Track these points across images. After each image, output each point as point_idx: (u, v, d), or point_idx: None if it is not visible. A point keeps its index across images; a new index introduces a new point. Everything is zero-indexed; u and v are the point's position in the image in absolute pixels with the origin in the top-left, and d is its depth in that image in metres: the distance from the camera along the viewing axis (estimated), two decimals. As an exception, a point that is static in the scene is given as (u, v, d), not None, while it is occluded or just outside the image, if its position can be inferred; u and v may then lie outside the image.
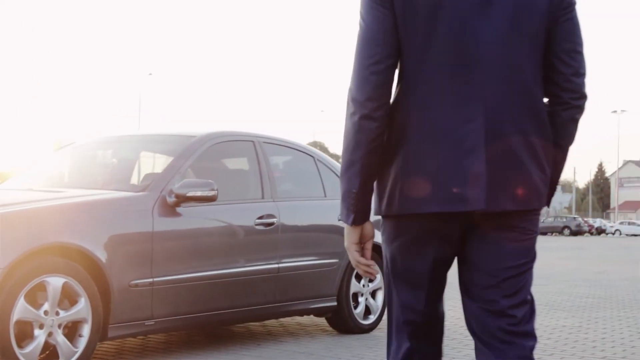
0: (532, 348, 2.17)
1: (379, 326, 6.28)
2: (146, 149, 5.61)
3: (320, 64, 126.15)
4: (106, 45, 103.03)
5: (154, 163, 5.50)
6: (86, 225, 4.31)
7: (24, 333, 4.01)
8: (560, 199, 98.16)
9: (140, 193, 4.72)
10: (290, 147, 6.02)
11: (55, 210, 4.29)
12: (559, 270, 14.66)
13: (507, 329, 2.15)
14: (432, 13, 2.08)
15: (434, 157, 2.06)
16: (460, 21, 2.08)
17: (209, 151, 5.24)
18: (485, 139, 2.06)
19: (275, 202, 5.47)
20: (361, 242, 2.19)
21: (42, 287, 4.05)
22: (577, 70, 2.21)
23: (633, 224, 64.96)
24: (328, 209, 5.90)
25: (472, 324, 2.21)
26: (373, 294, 6.22)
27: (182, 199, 4.73)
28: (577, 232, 56.03)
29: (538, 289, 10.36)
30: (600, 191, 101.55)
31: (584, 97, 2.24)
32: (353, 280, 6.02)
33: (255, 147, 5.60)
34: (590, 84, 2.35)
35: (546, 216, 61.75)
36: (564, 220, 59.05)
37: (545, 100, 2.23)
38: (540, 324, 6.77)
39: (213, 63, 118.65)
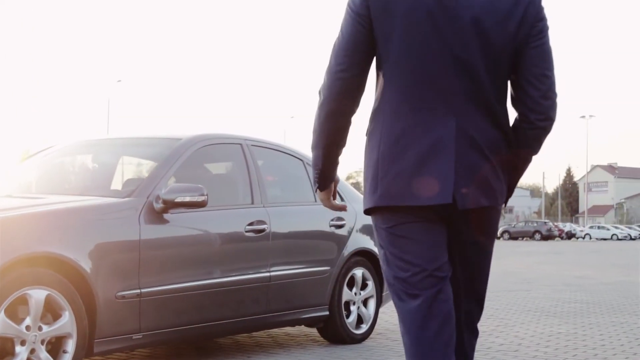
0: None
1: (371, 336, 6.06)
2: (128, 152, 5.34)
3: (289, 70, 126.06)
4: (74, 53, 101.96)
5: (137, 168, 5.23)
6: (69, 234, 4.03)
7: (5, 350, 3.72)
8: (529, 204, 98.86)
9: (126, 199, 4.44)
10: (279, 150, 5.79)
11: (36, 217, 4.01)
12: (538, 275, 14.57)
13: None
14: (407, 32, 2.32)
15: (409, 156, 2.34)
16: (433, 39, 2.32)
17: (196, 154, 4.98)
18: (455, 143, 2.33)
19: (265, 207, 5.23)
20: (329, 196, 2.63)
21: (23, 301, 3.76)
22: (545, 94, 2.41)
23: (603, 228, 65.47)
24: (319, 215, 5.67)
25: None
26: (365, 303, 6.00)
27: (170, 205, 4.47)
28: (548, 237, 56.29)
29: (523, 295, 10.22)
30: (569, 196, 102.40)
31: (550, 119, 2.44)
32: (345, 288, 5.80)
33: (244, 150, 5.35)
34: (559, 90, 2.48)
35: (516, 221, 61.95)
36: (535, 225, 59.33)
37: (516, 116, 2.49)
38: (535, 331, 6.59)
39: (182, 70, 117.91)
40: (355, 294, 5.93)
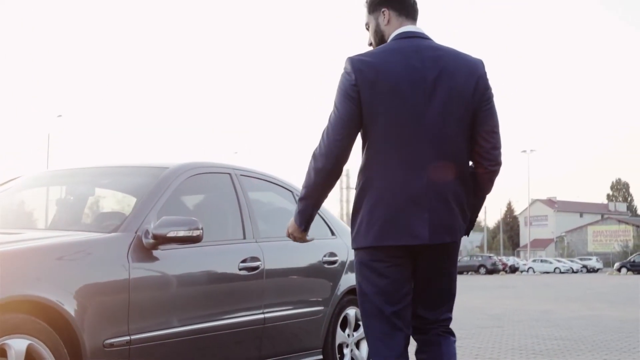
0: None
1: (366, 380, 5.62)
2: (106, 183, 4.83)
3: (233, 108, 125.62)
4: (13, 88, 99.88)
5: (117, 199, 4.73)
6: (52, 274, 3.51)
7: (-20, 410, 3.19)
8: (471, 238, 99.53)
9: (112, 234, 3.95)
10: (268, 181, 5.35)
11: (13, 255, 3.48)
12: (502, 310, 14.30)
13: None
14: (388, 106, 2.95)
15: (393, 205, 2.95)
16: (410, 110, 2.96)
17: (183, 185, 4.52)
18: (427, 194, 2.95)
19: (257, 242, 4.78)
20: (306, 234, 3.26)
21: (1, 352, 3.23)
22: (494, 146, 3.09)
23: (545, 261, 66.14)
24: (312, 251, 5.25)
25: None
26: (357, 345, 5.57)
27: (161, 241, 3.99)
28: (492, 271, 56.59)
29: (498, 332, 9.90)
30: (510, 229, 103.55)
31: (498, 164, 3.12)
32: (338, 330, 5.37)
33: (233, 180, 4.91)
34: (501, 125, 3.14)
35: (460, 255, 62.12)
36: (480, 259, 59.65)
37: (471, 162, 3.12)
38: (533, 372, 6.23)
39: (123, 104, 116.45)
40: (349, 335, 5.51)
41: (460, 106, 3.01)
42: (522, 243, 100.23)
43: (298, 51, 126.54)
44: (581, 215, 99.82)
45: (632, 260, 56.66)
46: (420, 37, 3.11)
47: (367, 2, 3.25)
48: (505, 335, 9.52)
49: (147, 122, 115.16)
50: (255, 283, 4.64)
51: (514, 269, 62.45)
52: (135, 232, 3.98)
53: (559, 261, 66.37)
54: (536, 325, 10.98)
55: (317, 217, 5.52)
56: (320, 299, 5.22)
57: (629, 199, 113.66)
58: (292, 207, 5.40)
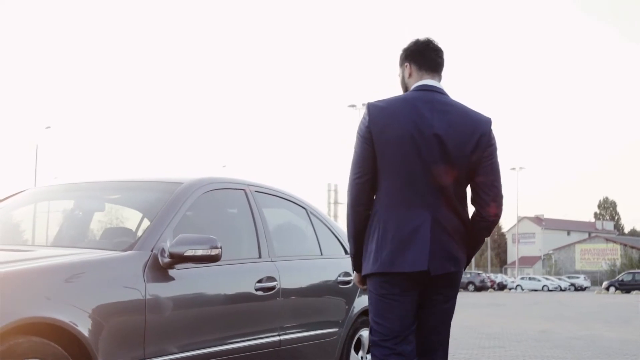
0: None
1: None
2: (118, 197, 4.64)
3: (222, 116, 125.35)
4: (0, 98, 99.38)
5: (127, 215, 4.55)
6: (66, 294, 3.33)
7: None
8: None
9: (127, 252, 3.77)
10: (282, 198, 5.18)
11: (26, 275, 3.29)
12: (499, 329, 14.14)
13: None
14: (395, 150, 3.28)
15: (400, 239, 3.27)
16: (416, 156, 3.27)
17: (199, 201, 4.35)
18: (430, 230, 3.26)
19: (273, 262, 4.61)
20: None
21: (15, 378, 3.05)
22: (494, 198, 3.38)
23: (534, 279, 66.07)
24: (326, 269, 5.09)
25: None
26: (370, 367, 5.39)
27: (178, 260, 3.82)
28: (481, 288, 56.47)
29: (501, 352, 9.73)
30: (497, 247, 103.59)
31: (497, 216, 3.40)
32: (352, 352, 5.19)
33: (247, 196, 4.74)
34: None
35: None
36: (468, 276, 59.46)
37: (474, 210, 3.43)
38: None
39: (112, 116, 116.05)
40: (362, 358, 5.33)
41: (462, 158, 3.32)
42: (509, 260, 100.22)
43: (283, 62, 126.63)
44: (568, 234, 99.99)
45: (620, 279, 56.67)
46: (435, 91, 3.43)
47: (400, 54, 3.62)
48: (509, 356, 9.36)
49: (136, 134, 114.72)
50: (271, 304, 4.47)
51: (502, 287, 62.32)
52: (151, 251, 3.81)
53: (547, 279, 66.31)
54: (537, 345, 10.83)
55: (329, 235, 5.41)
56: (335, 320, 5.06)
57: (616, 217, 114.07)
58: (306, 225, 5.25)
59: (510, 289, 61.84)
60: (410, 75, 3.51)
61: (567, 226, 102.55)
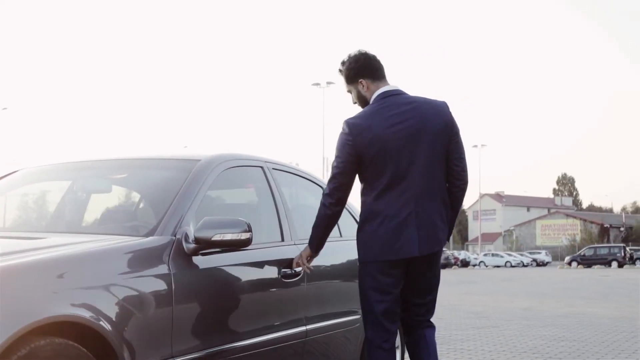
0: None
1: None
2: (127, 177, 4.18)
3: (182, 96, 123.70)
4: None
5: (140, 196, 4.11)
6: (86, 288, 2.90)
7: None
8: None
9: (149, 238, 3.34)
10: (298, 175, 4.78)
11: (39, 267, 2.85)
12: (482, 309, 13.92)
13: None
14: (383, 153, 3.75)
15: (393, 229, 3.76)
16: (400, 153, 3.76)
17: (218, 180, 3.93)
18: (415, 217, 3.76)
19: (296, 245, 4.22)
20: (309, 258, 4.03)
21: (39, 388, 2.62)
22: (462, 169, 3.91)
23: (496, 255, 66.56)
24: (346, 251, 4.70)
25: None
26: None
27: (205, 245, 3.42)
28: (445, 265, 56.59)
29: (497, 332, 9.47)
30: (459, 223, 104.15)
31: (466, 182, 3.94)
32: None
33: (266, 174, 4.33)
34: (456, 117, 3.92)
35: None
36: (433, 253, 59.49)
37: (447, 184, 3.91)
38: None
39: (70, 96, 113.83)
40: (383, 346, 4.97)
41: (438, 145, 3.79)
42: (470, 237, 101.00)
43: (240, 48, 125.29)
44: (528, 210, 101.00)
45: (582, 254, 57.29)
46: (398, 94, 3.89)
47: (344, 75, 4.01)
48: (507, 336, 9.10)
49: (96, 115, 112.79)
50: (297, 292, 4.09)
51: (465, 263, 62.65)
52: (174, 236, 3.39)
53: (509, 255, 66.87)
54: (529, 324, 10.61)
55: (346, 215, 5.01)
56: (356, 308, 4.68)
57: (574, 193, 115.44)
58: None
59: (473, 266, 62.19)
60: (367, 89, 3.93)
61: (527, 202, 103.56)
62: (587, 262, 54.53)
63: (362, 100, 3.96)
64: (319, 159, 51.41)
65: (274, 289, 3.95)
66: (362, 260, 3.84)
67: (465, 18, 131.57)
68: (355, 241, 3.91)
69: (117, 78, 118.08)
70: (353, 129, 3.77)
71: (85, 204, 4.04)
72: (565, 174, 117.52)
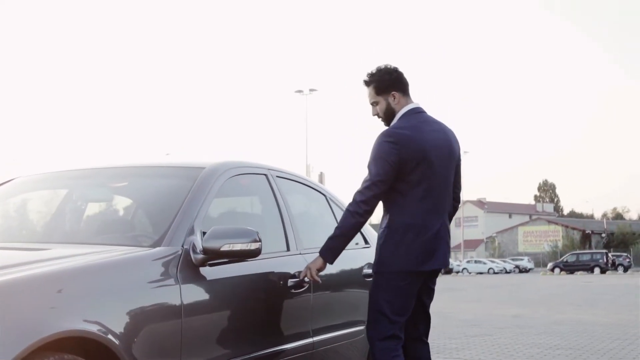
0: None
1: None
2: (129, 185, 4.06)
3: (165, 103, 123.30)
4: None
5: (141, 205, 3.98)
6: (101, 302, 2.78)
7: None
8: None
9: (156, 249, 3.22)
10: (302, 183, 4.67)
11: (44, 280, 2.73)
12: (472, 316, 13.86)
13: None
14: (424, 166, 3.90)
15: (426, 241, 3.90)
16: (436, 170, 3.93)
17: (223, 188, 3.82)
18: (443, 232, 3.96)
19: (302, 255, 4.12)
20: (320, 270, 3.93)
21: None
22: (460, 191, 4.21)
23: (479, 262, 66.63)
24: (350, 261, 4.59)
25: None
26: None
27: (213, 256, 3.30)
28: (429, 272, 56.45)
29: (491, 340, 9.41)
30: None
31: (459, 203, 4.24)
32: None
33: (270, 182, 4.22)
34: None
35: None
36: (416, 260, 59.51)
37: None
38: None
39: (51, 102, 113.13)
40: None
41: (454, 167, 4.06)
42: (453, 244, 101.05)
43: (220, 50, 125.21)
44: (510, 216, 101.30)
45: (565, 260, 57.48)
46: (422, 112, 4.07)
47: (374, 86, 4.04)
48: (502, 345, 9.04)
49: (81, 118, 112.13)
50: (303, 303, 3.99)
51: (448, 270, 62.65)
52: (182, 246, 3.28)
53: (492, 262, 66.97)
54: (523, 332, 10.55)
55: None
56: (362, 318, 4.58)
57: (555, 199, 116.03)
58: (327, 213, 4.76)
59: (457, 273, 62.24)
60: (397, 102, 4.03)
61: (509, 209, 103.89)
62: (569, 268, 54.71)
63: (388, 113, 4.05)
64: (301, 167, 51.29)
65: (282, 300, 3.84)
66: (391, 270, 3.87)
67: (446, 25, 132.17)
68: (378, 250, 3.90)
69: (95, 85, 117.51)
70: (401, 139, 3.86)
71: (86, 213, 3.91)
72: (546, 181, 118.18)
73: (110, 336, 2.76)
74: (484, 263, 65.56)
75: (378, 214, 4.31)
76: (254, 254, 3.39)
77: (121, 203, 4.01)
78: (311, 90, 52.33)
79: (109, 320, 2.79)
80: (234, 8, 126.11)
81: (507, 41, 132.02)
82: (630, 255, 63.95)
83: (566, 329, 10.88)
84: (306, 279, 3.90)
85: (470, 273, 62.02)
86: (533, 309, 15.74)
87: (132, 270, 3.05)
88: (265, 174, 4.23)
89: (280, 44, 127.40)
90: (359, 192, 3.86)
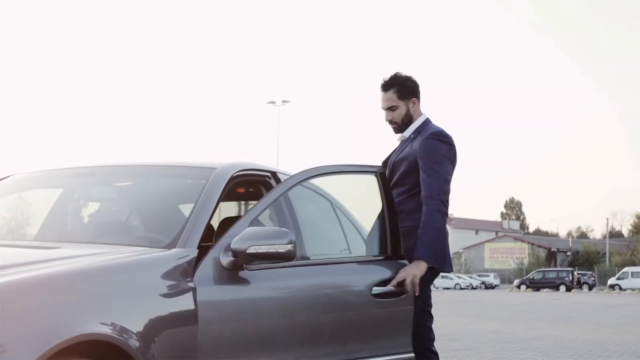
0: None
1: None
2: (138, 184, 3.89)
3: (138, 113, 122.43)
4: None
5: (149, 204, 3.81)
6: (114, 304, 2.64)
7: None
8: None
9: (172, 251, 3.06)
10: (307, 188, 4.50)
11: (58, 281, 2.57)
12: (450, 330, 13.77)
13: None
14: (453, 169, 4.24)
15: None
16: None
17: (231, 189, 3.68)
18: None
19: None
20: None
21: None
22: None
23: (446, 277, 66.69)
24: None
25: None
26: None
27: (244, 259, 3.12)
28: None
29: (474, 356, 9.32)
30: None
31: None
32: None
33: (274, 184, 4.08)
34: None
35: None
36: (384, 274, 59.55)
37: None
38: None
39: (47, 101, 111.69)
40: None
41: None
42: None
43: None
44: (477, 233, 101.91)
45: (531, 277, 57.87)
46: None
47: (397, 90, 4.07)
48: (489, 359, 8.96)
49: (63, 121, 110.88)
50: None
51: (415, 285, 62.73)
52: (198, 248, 3.13)
53: (459, 277, 67.20)
54: (504, 347, 10.53)
55: (355, 233, 4.72)
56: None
57: (521, 217, 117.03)
58: (332, 220, 4.59)
59: (424, 287, 62.25)
60: (415, 109, 4.14)
61: (476, 225, 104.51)
62: (535, 285, 55.07)
63: (406, 119, 4.12)
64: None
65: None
66: (440, 270, 4.08)
67: (421, 42, 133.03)
68: (441, 247, 4.08)
69: (95, 85, 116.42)
70: (452, 141, 4.10)
71: (97, 213, 3.75)
72: (512, 198, 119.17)
73: (129, 340, 2.61)
74: (451, 278, 65.68)
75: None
76: (287, 256, 3.19)
77: (132, 202, 3.83)
78: (284, 101, 52.24)
79: (127, 323, 2.65)
80: (206, 19, 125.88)
81: (477, 60, 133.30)
82: (595, 273, 64.57)
83: (547, 345, 10.85)
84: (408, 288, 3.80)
85: (437, 288, 62.03)
86: (507, 324, 15.73)
87: (149, 272, 2.90)
88: (269, 175, 4.08)
89: (253, 55, 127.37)
90: (440, 192, 3.92)
